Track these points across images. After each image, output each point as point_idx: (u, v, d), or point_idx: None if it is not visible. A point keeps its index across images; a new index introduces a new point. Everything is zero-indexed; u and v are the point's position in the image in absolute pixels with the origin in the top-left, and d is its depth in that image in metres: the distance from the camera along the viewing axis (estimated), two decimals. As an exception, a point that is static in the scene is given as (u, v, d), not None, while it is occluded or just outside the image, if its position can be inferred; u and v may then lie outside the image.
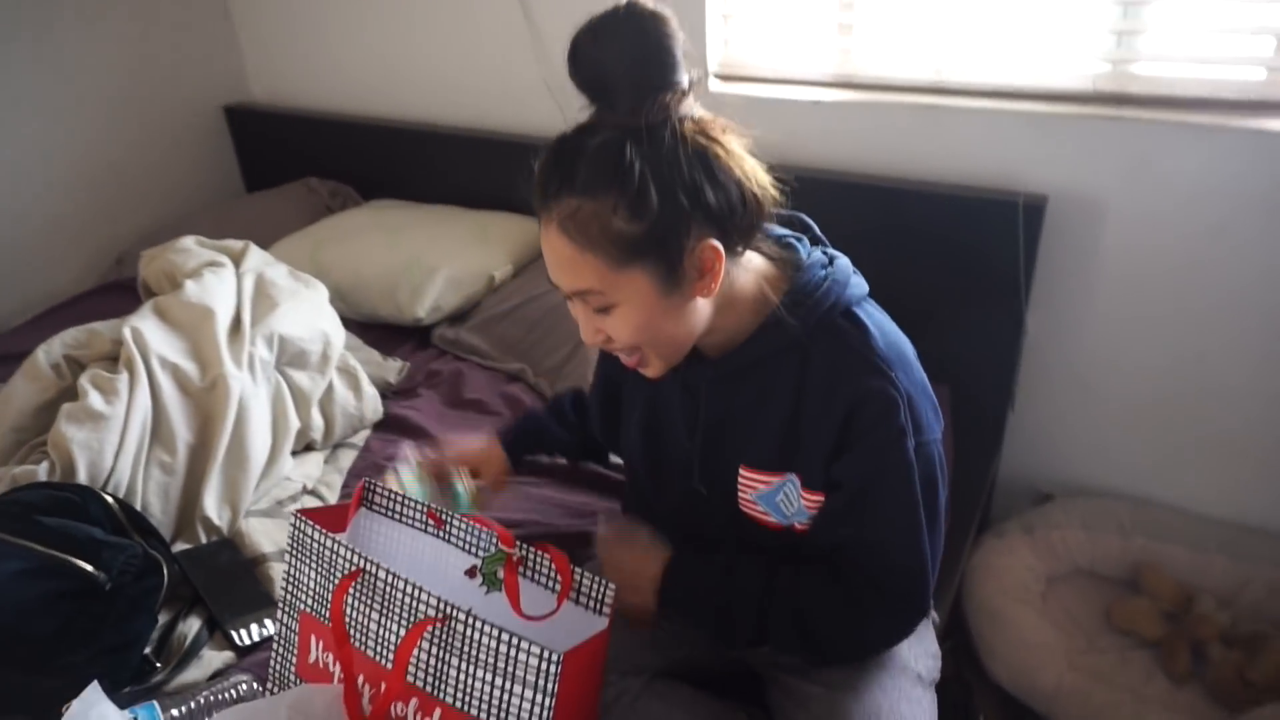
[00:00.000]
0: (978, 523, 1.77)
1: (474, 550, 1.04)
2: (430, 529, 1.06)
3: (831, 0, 1.85)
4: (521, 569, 1.01)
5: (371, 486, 1.10)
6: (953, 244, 1.75)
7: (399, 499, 1.09)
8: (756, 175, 0.88)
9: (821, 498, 0.98)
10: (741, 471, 1.01)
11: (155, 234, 2.23)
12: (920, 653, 1.12)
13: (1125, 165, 1.65)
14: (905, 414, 0.91)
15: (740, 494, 1.02)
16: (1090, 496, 1.88)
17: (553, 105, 2.13)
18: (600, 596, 0.97)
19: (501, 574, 1.00)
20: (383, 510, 1.10)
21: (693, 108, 0.86)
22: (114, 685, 1.09)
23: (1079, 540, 1.80)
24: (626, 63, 0.82)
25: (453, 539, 1.05)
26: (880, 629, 1.03)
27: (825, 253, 1.00)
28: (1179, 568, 1.74)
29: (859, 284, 0.98)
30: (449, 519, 1.05)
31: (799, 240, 1.00)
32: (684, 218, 0.84)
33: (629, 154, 0.82)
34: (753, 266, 0.96)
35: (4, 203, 2.12)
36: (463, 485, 1.22)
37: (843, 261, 0.99)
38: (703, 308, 0.92)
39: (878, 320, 0.97)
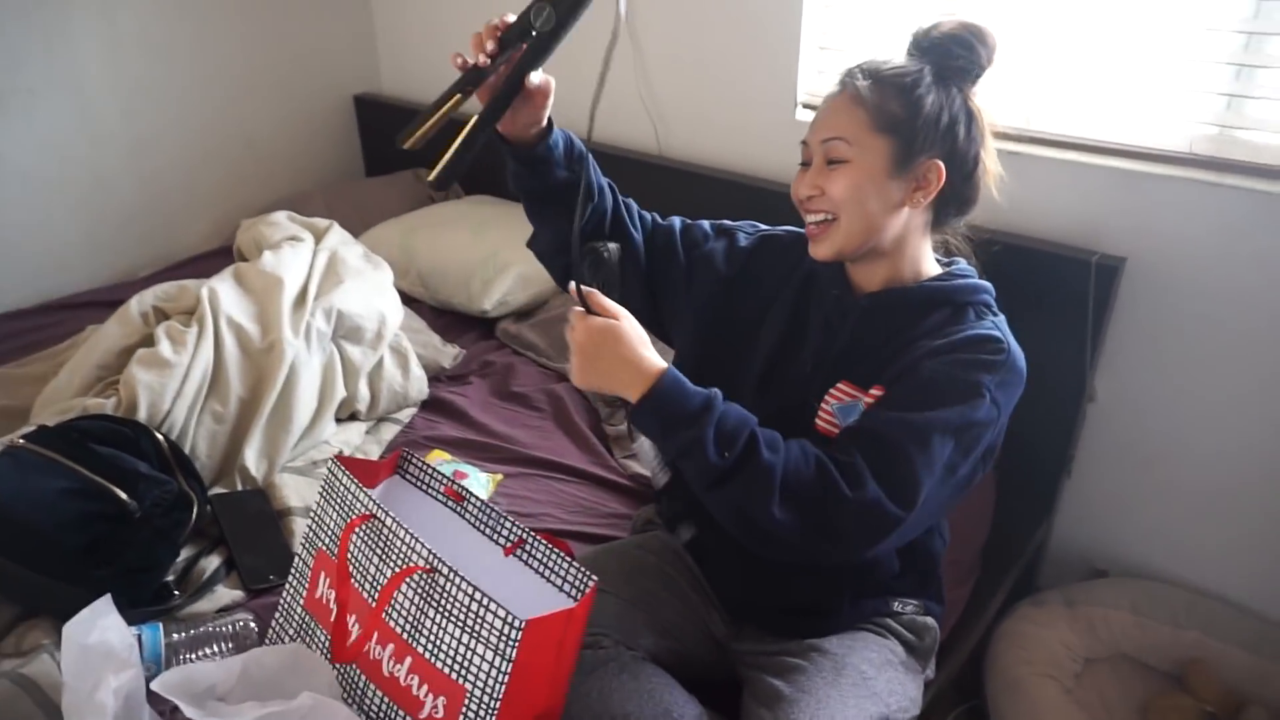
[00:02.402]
0: (1010, 586, 1.70)
1: (485, 529, 1.12)
2: (450, 505, 1.15)
3: (928, 38, 1.83)
4: (518, 551, 1.08)
5: (407, 456, 1.20)
6: (1017, 297, 1.67)
7: (429, 472, 1.18)
8: (994, 165, 1.11)
9: (880, 392, 1.05)
10: (839, 385, 1.09)
11: (277, 206, 2.39)
12: (896, 690, 1.13)
13: (1218, 234, 1.55)
14: (1001, 367, 1.01)
15: (822, 405, 1.09)
16: (1146, 579, 1.77)
17: (647, 123, 2.19)
18: (580, 585, 1.03)
19: None
20: (413, 481, 1.20)
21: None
22: (132, 603, 1.21)
23: (1126, 623, 1.70)
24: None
25: (467, 516, 1.14)
26: (843, 522, 0.94)
27: None
28: (1233, 670, 1.62)
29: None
30: (467, 497, 1.14)
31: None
32: (934, 135, 1.04)
33: (927, 77, 1.05)
34: (927, 256, 1.12)
35: (151, 165, 2.35)
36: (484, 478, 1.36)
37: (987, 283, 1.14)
38: (898, 223, 1.06)
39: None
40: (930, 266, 1.13)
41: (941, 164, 1.04)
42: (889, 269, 1.11)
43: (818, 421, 1.09)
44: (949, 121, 1.05)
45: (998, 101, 1.73)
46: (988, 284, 1.14)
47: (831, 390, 1.09)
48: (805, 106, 1.98)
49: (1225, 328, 1.58)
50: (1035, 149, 1.70)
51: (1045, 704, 1.58)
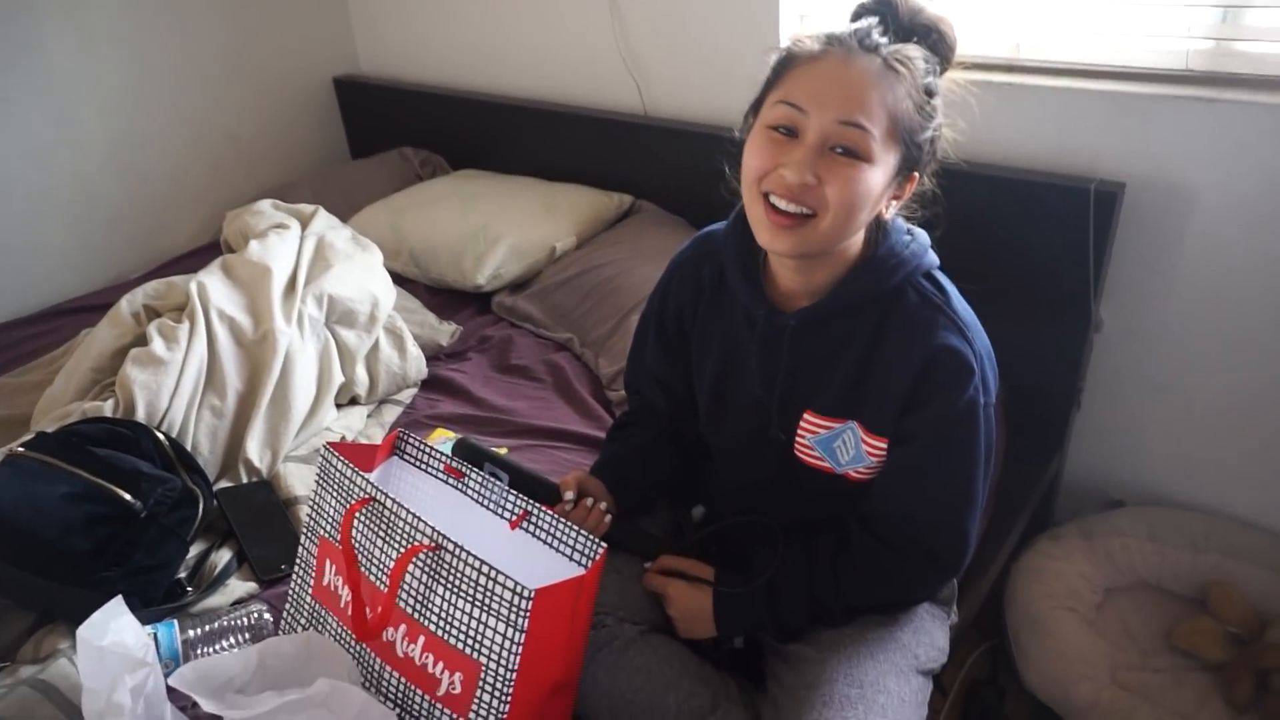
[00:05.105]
0: (1025, 523, 1.69)
1: (488, 504, 1.11)
2: (451, 482, 1.14)
3: (909, -28, 1.78)
4: (524, 523, 1.07)
5: (404, 437, 1.18)
6: (1017, 231, 1.66)
7: (428, 451, 1.16)
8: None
9: (885, 444, 1.02)
10: (805, 416, 1.06)
11: (263, 197, 2.35)
12: (923, 640, 1.12)
13: (1219, 152, 1.52)
14: (979, 377, 0.97)
15: (798, 438, 1.07)
16: (1163, 506, 1.76)
17: (630, 83, 2.15)
18: (589, 553, 1.01)
19: None
20: (412, 460, 1.18)
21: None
22: (145, 602, 1.21)
23: (1144, 551, 1.69)
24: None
25: (469, 492, 1.13)
26: (916, 585, 1.11)
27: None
28: (1253, 590, 1.61)
29: (934, 257, 1.04)
30: (467, 473, 1.12)
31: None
32: (929, 146, 0.96)
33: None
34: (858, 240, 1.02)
35: (134, 165, 2.33)
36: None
37: (922, 233, 1.05)
38: (864, 224, 0.97)
39: (953, 287, 1.03)
40: (856, 246, 1.01)
41: (917, 176, 0.98)
42: (826, 272, 1.00)
43: (800, 455, 1.08)
44: (934, 134, 0.97)
45: (986, 32, 1.71)
46: (918, 242, 1.02)
47: (801, 424, 1.06)
48: (788, 52, 1.94)
49: (1231, 246, 1.56)
50: (1026, 78, 1.66)
51: (1067, 637, 1.58)
